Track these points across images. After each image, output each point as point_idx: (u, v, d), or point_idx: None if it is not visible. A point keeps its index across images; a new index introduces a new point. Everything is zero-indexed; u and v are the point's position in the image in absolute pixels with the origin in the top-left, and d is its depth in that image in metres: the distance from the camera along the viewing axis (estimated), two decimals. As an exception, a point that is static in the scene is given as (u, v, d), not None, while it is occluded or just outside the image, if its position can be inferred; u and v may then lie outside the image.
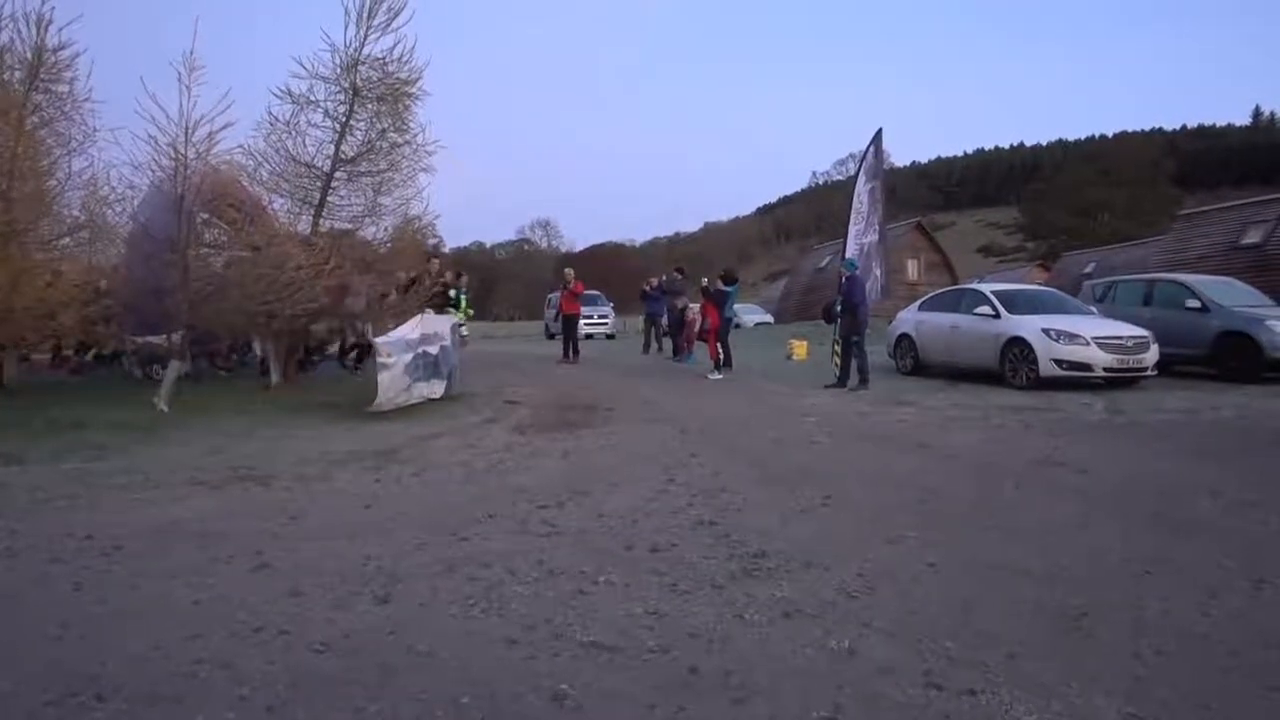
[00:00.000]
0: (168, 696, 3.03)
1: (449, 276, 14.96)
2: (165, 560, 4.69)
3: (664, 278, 21.71)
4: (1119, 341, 12.21)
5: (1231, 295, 14.07)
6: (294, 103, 12.09)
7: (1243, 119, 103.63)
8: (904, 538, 5.13)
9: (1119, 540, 5.05)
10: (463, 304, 15.62)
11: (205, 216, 11.69)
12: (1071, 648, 3.51)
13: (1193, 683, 3.17)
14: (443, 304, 13.53)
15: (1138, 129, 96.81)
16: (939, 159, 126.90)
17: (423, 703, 2.99)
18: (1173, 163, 69.79)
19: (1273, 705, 3.02)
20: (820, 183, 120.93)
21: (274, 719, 2.89)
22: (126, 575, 4.44)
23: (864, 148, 15.88)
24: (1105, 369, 12.03)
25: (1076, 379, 12.07)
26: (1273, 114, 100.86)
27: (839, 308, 13.31)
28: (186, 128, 10.32)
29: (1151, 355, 12.32)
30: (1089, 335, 12.14)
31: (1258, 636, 3.62)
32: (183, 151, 10.38)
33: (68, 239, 11.55)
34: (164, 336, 11.60)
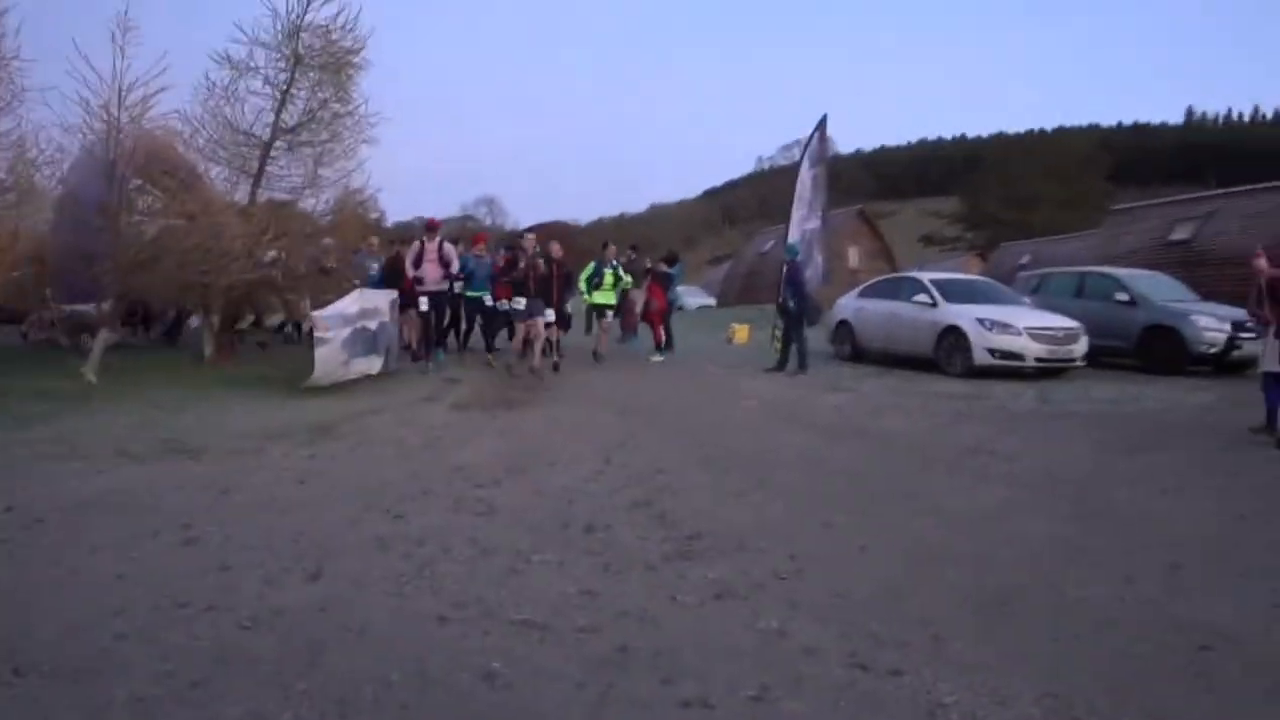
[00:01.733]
0: (88, 671, 2.98)
1: (614, 251, 14.77)
2: (89, 534, 4.59)
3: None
4: (1050, 332, 12.49)
5: (1159, 289, 14.46)
6: (233, 69, 11.80)
7: (1176, 118, 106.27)
8: (836, 521, 5.22)
9: (1043, 527, 5.20)
10: (612, 280, 14.30)
11: (138, 182, 11.36)
12: (994, 630, 3.61)
13: (1108, 665, 3.28)
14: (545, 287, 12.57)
15: (1075, 125, 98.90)
16: (883, 148, 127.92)
17: (352, 680, 2.98)
18: (1108, 158, 71.18)
19: (1183, 686, 3.14)
20: (765, 168, 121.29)
21: (198, 694, 2.86)
22: (48, 548, 4.34)
23: (809, 134, 16.00)
24: (1036, 359, 12.30)
25: (1009, 368, 12.32)
26: (1204, 114, 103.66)
27: (790, 297, 13.39)
28: (120, 90, 10.02)
29: (1081, 346, 12.62)
30: (1021, 326, 12.40)
31: (1170, 621, 3.75)
32: (115, 114, 10.08)
33: (-8, 201, 11.17)
34: (93, 305, 11.29)
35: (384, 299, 11.56)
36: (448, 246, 12.75)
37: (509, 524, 5.02)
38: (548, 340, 12.81)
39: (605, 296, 14.19)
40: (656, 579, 4.15)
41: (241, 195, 12.22)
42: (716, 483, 6.19)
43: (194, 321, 15.14)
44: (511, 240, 16.33)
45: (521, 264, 12.39)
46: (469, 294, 13.39)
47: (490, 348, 13.75)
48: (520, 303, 12.24)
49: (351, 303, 10.59)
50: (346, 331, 10.29)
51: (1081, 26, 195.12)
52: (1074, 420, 9.32)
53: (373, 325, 10.91)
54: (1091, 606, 3.92)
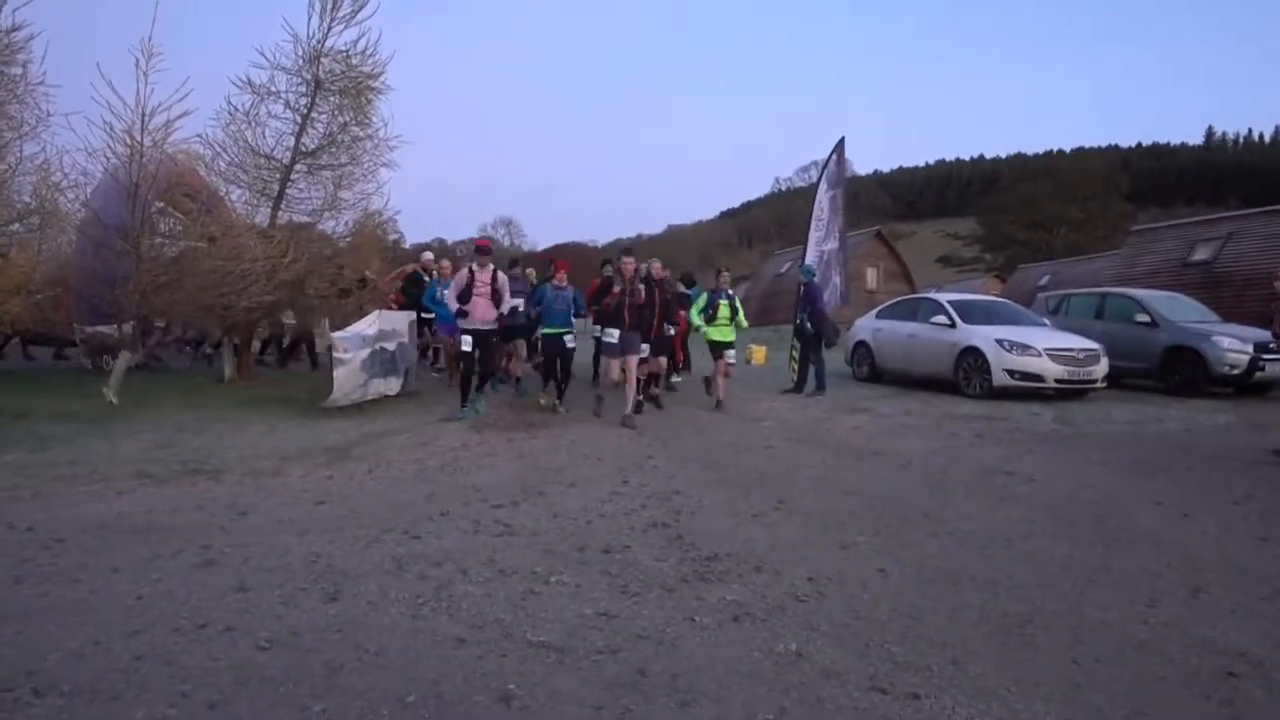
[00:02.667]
0: (107, 692, 2.98)
1: (727, 279, 12.30)
2: (108, 555, 4.61)
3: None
4: (1070, 353, 12.41)
5: (1180, 311, 14.37)
6: (254, 93, 11.92)
7: (1195, 139, 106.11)
8: (854, 543, 5.19)
9: (1063, 549, 5.15)
10: (728, 313, 11.91)
11: (160, 205, 11.50)
12: (1013, 654, 3.58)
13: (1128, 689, 3.24)
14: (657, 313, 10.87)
15: (1094, 145, 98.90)
16: (900, 168, 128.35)
17: (369, 701, 2.97)
18: (1127, 179, 70.99)
19: (1207, 713, 3.10)
20: (783, 189, 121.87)
21: (216, 715, 2.86)
22: (68, 569, 4.36)
23: (827, 155, 16.00)
24: (1056, 380, 12.22)
25: (1028, 389, 12.25)
26: (1224, 135, 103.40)
27: (807, 319, 13.36)
28: (143, 115, 10.14)
29: (1101, 368, 12.54)
30: (1041, 347, 12.33)
31: (1193, 644, 3.70)
32: (138, 139, 10.20)
33: (17, 225, 11.29)
34: (115, 326, 11.39)
35: (403, 320, 11.63)
36: (502, 277, 10.13)
37: (527, 545, 5.01)
38: (646, 378, 11.16)
39: (723, 332, 11.75)
40: (674, 601, 4.13)
41: (262, 218, 12.31)
42: (734, 504, 6.17)
43: (208, 346, 15.23)
44: (609, 260, 13.03)
45: (617, 289, 10.27)
46: (546, 330, 10.86)
47: (561, 394, 11.07)
48: (612, 335, 10.21)
49: (369, 324, 10.65)
50: (365, 353, 10.35)
51: (1100, 47, 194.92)
52: (1094, 442, 9.25)
53: (391, 346, 10.97)
54: (1112, 630, 3.87)
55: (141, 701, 2.92)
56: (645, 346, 10.65)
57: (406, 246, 24.89)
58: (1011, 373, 12.25)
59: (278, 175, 12.23)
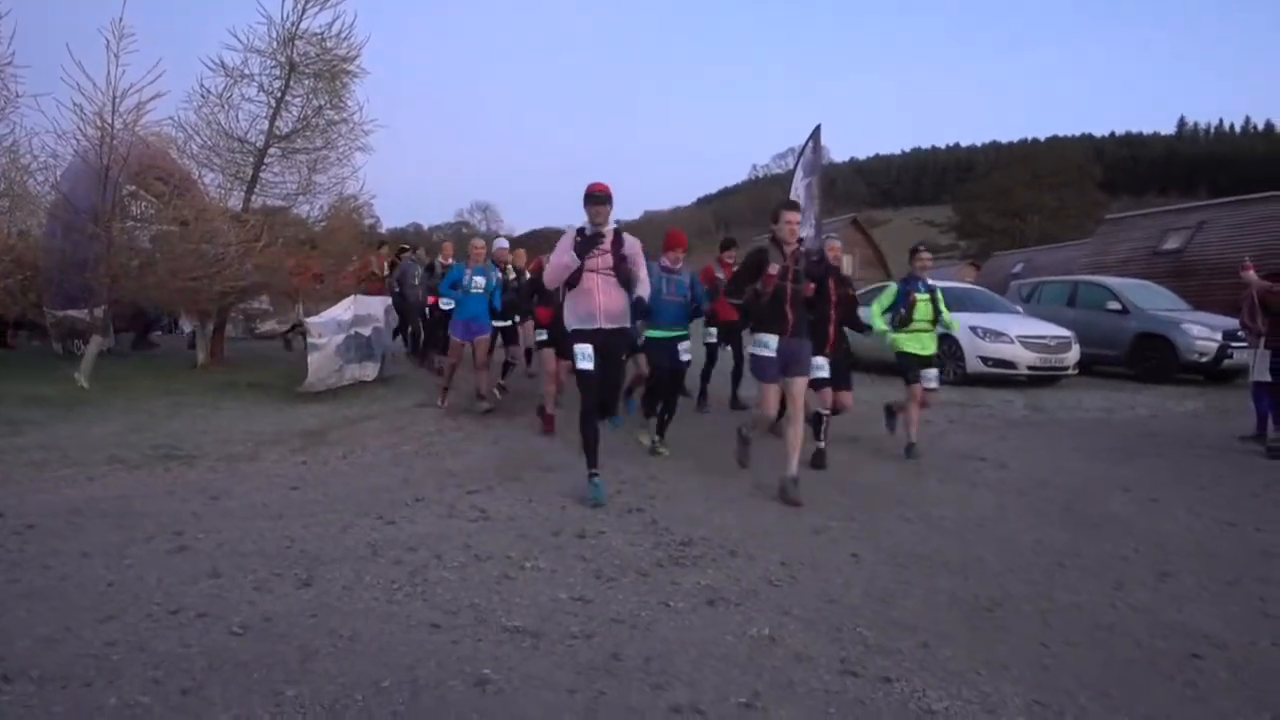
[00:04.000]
0: (79, 679, 2.97)
1: (927, 260, 8.07)
2: (80, 540, 4.58)
3: None
4: (1042, 341, 12.54)
5: (1150, 299, 14.55)
6: (227, 76, 11.77)
7: (1168, 128, 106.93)
8: (828, 528, 5.24)
9: (1034, 534, 5.22)
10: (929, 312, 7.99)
11: (132, 189, 11.35)
12: (984, 637, 3.63)
13: (1096, 671, 3.31)
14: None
15: (1068, 134, 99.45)
16: (877, 156, 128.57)
17: (343, 686, 2.98)
18: (1100, 168, 71.40)
19: (1172, 693, 3.16)
20: (760, 175, 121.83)
21: (189, 701, 2.85)
22: (39, 555, 4.32)
23: (803, 142, 16.02)
24: (1029, 367, 12.35)
25: (1001, 376, 12.36)
26: (1195, 125, 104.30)
27: None
28: (114, 97, 9.98)
29: (1073, 355, 12.68)
30: (1014, 334, 12.45)
31: (1159, 627, 3.78)
32: (109, 121, 10.05)
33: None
34: (86, 310, 11.27)
35: (378, 305, 11.56)
36: (632, 243, 6.05)
37: (501, 530, 5.02)
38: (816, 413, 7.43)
39: (921, 342, 7.91)
40: (649, 585, 4.15)
41: (235, 202, 12.19)
42: (709, 489, 6.20)
43: (185, 326, 15.09)
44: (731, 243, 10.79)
45: (774, 268, 6.05)
46: (651, 334, 7.46)
47: (663, 428, 7.66)
48: (766, 345, 6.04)
49: (345, 309, 10.59)
50: (340, 338, 10.29)
51: (1074, 37, 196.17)
52: (1066, 428, 9.36)
53: (366, 331, 10.91)
54: (1081, 613, 3.94)
55: (113, 688, 2.91)
56: (821, 362, 6.98)
57: (383, 231, 24.69)
58: (985, 359, 12.38)
59: (251, 159, 12.11)
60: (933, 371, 7.95)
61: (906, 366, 7.93)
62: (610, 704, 2.95)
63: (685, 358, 7.66)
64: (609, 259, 5.88)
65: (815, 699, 3.03)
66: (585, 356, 5.81)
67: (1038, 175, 65.75)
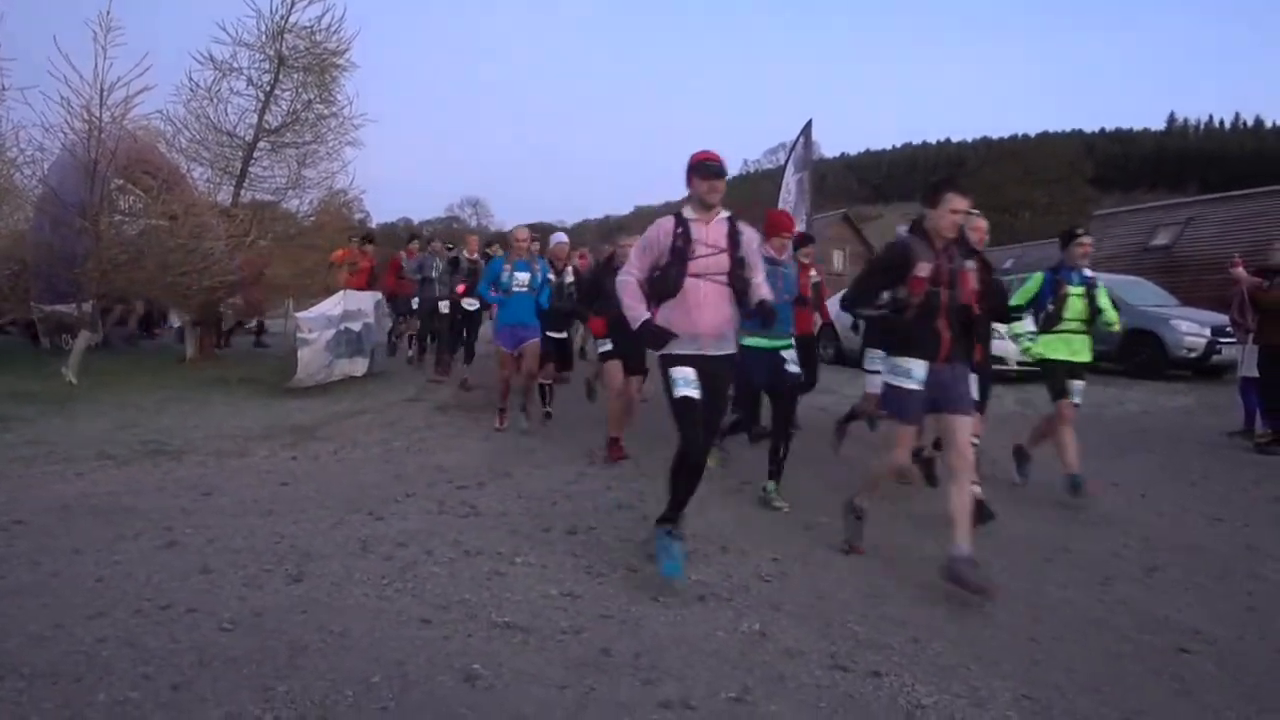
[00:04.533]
0: (68, 675, 2.96)
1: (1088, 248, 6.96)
2: (69, 536, 4.56)
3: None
4: (1031, 336, 12.53)
5: (1140, 295, 14.58)
6: (216, 69, 11.77)
7: (1158, 124, 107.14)
8: (818, 524, 5.25)
9: (1023, 528, 5.25)
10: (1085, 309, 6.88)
11: (120, 183, 11.30)
12: (973, 632, 3.65)
13: (1085, 666, 3.33)
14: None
15: (1058, 130, 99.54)
16: (868, 151, 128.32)
17: (333, 682, 2.97)
18: (1090, 164, 71.64)
19: (1161, 688, 3.18)
20: (751, 170, 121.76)
21: (179, 697, 2.85)
22: (28, 551, 4.30)
23: (794, 138, 16.02)
24: (1019, 362, 12.36)
25: (992, 371, 12.36)
26: (1185, 120, 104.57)
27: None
28: (101, 90, 9.95)
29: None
30: (1003, 329, 12.44)
31: (1148, 622, 3.80)
32: (97, 115, 10.01)
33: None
34: (74, 305, 11.22)
35: (368, 300, 11.53)
36: (750, 237, 4.58)
37: (492, 526, 5.02)
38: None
39: (1072, 347, 6.81)
40: (638, 581, 4.16)
41: (224, 196, 12.17)
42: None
43: (174, 321, 15.02)
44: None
45: (923, 268, 4.41)
46: (748, 342, 5.66)
47: (779, 469, 5.98)
48: (909, 373, 4.42)
49: (334, 304, 10.57)
50: (330, 333, 10.27)
51: (1066, 32, 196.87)
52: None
53: (356, 327, 10.89)
54: (1070, 608, 3.97)
55: (103, 684, 2.90)
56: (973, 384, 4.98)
57: (373, 226, 24.63)
58: (975, 355, 12.37)
59: (240, 153, 12.09)
60: (1081, 385, 6.65)
61: (1052, 377, 6.67)
62: (600, 699, 2.95)
63: (793, 369, 6.11)
64: (723, 260, 4.33)
65: (805, 694, 3.04)
66: (686, 382, 4.30)
67: (1028, 171, 65.99)
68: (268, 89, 12.01)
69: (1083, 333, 6.69)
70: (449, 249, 12.63)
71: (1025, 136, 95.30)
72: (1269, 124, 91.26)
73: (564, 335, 8.89)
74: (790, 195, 15.34)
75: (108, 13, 9.80)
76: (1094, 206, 41.73)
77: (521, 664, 3.18)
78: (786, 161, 16.24)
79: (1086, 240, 6.68)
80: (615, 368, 7.16)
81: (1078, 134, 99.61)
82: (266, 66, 11.94)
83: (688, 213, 4.43)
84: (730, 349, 4.48)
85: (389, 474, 6.38)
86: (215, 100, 11.88)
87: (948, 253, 4.48)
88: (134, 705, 2.79)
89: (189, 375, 10.97)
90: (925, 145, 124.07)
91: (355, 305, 11.01)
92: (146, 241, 11.02)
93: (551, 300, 8.35)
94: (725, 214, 4.45)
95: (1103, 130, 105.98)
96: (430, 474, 6.37)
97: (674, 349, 4.32)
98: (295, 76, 12.17)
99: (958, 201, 4.53)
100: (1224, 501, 6.10)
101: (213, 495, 5.59)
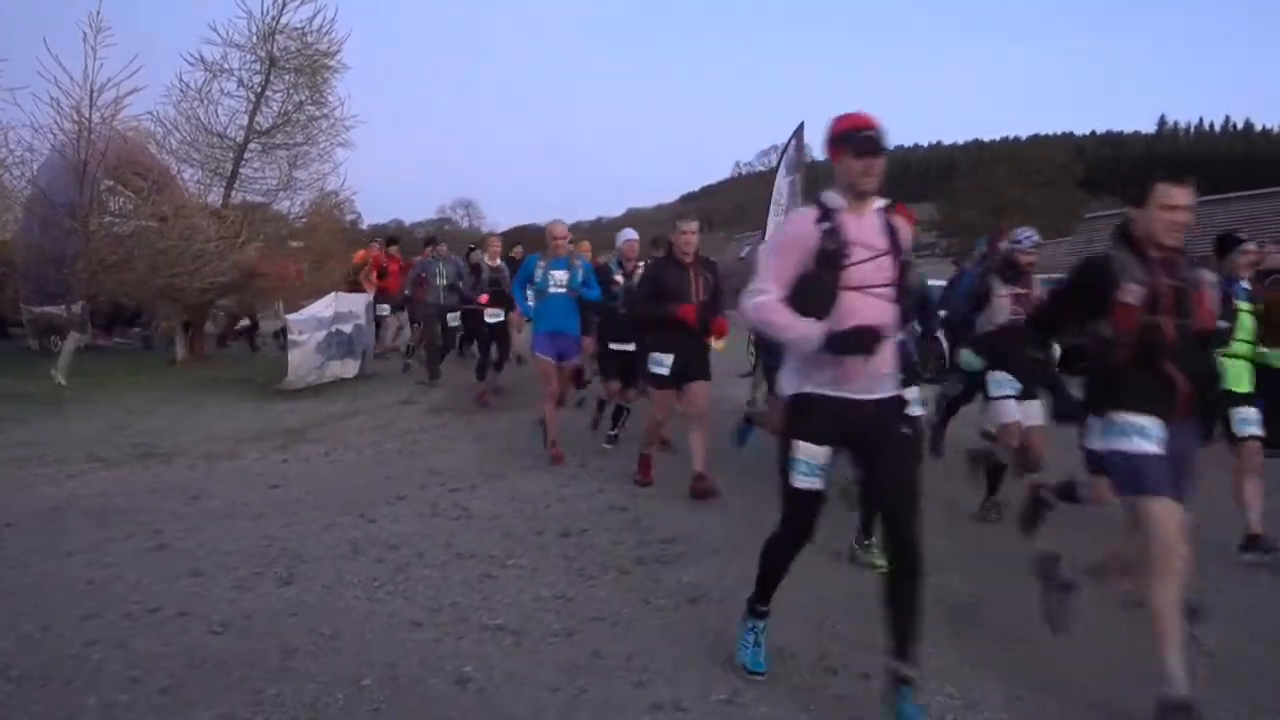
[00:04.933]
0: (58, 677, 2.96)
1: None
2: (59, 539, 4.55)
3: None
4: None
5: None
6: (207, 70, 11.77)
7: (1148, 127, 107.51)
8: (809, 525, 5.23)
9: (1015, 531, 5.24)
10: None
11: (110, 184, 11.27)
12: (965, 634, 3.66)
13: (1075, 669, 3.33)
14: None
15: (1049, 132, 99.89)
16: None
17: (323, 685, 2.98)
18: (1081, 167, 71.79)
19: (1153, 689, 3.18)
20: (743, 172, 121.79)
21: (169, 700, 2.85)
22: (18, 553, 4.30)
23: (786, 140, 16.02)
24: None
25: (982, 373, 12.40)
26: (1176, 123, 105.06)
27: None
28: (91, 91, 9.92)
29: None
30: (995, 330, 12.48)
31: (1142, 623, 3.79)
32: (87, 115, 9.98)
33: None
34: (63, 306, 11.18)
35: (359, 302, 11.50)
36: (906, 231, 3.15)
37: (484, 529, 5.02)
38: None
39: (1239, 372, 5.25)
40: (630, 583, 4.16)
41: (215, 197, 12.16)
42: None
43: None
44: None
45: (1128, 293, 3.17)
46: None
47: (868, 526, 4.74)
48: (1144, 432, 3.16)
49: (325, 306, 10.54)
50: (321, 334, 10.25)
51: (1057, 36, 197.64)
52: (1049, 426, 9.40)
53: (347, 328, 10.86)
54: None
55: (93, 687, 2.90)
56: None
57: (364, 227, 24.59)
58: (966, 356, 12.39)
59: (231, 154, 12.08)
60: (1252, 412, 5.22)
61: (1221, 408, 5.20)
62: (591, 701, 2.95)
63: (916, 411, 5.06)
64: (886, 266, 3.03)
65: (796, 695, 3.05)
66: (811, 469, 3.36)
67: (1020, 173, 66.15)
68: (259, 90, 12.01)
69: (1247, 357, 5.25)
70: (471, 249, 12.29)
71: (1016, 139, 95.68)
72: (1259, 127, 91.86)
73: (631, 348, 7.42)
74: (782, 198, 15.32)
75: (98, 13, 9.79)
76: (1085, 209, 41.85)
77: (513, 666, 3.19)
78: (779, 164, 16.22)
79: (1252, 249, 5.24)
80: (665, 399, 6.37)
81: (1069, 136, 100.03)
82: (257, 68, 11.95)
83: (832, 200, 3.06)
84: (894, 388, 3.20)
85: (381, 476, 6.37)
86: (206, 101, 11.88)
87: (1168, 266, 3.24)
88: (124, 708, 2.79)
89: (179, 377, 10.94)
90: (917, 147, 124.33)
91: (346, 307, 10.98)
92: (136, 243, 10.98)
93: (618, 305, 7.53)
94: (882, 203, 3.09)
95: (1093, 133, 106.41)
96: (422, 476, 6.36)
97: (814, 389, 3.15)
98: (286, 78, 12.17)
99: (1173, 194, 3.25)
100: (1214, 502, 6.10)
101: (203, 498, 5.58)
